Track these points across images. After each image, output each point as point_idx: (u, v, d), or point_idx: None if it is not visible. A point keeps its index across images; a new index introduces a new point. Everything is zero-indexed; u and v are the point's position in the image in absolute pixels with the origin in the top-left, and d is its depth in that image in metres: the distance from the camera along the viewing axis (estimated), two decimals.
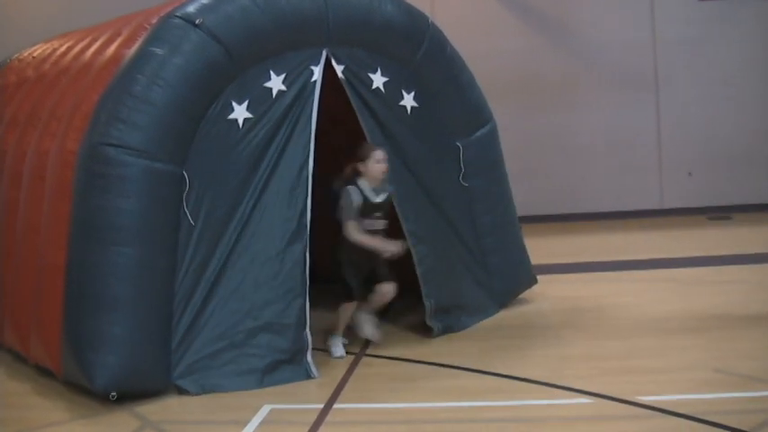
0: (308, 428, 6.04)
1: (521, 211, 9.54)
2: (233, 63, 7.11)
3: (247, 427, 6.13)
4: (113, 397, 6.57)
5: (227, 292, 7.01)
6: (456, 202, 8.51)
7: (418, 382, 7.00)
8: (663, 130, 15.47)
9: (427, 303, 8.03)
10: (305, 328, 7.16)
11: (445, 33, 8.60)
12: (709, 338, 7.66)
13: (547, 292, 9.55)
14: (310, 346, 7.20)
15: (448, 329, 8.19)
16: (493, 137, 8.92)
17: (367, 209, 7.64)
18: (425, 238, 8.08)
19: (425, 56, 8.23)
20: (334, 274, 7.70)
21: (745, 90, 15.24)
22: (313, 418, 6.22)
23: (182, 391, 6.84)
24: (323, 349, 7.77)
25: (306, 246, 7.22)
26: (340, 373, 7.25)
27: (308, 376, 7.12)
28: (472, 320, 8.47)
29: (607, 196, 15.55)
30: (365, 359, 7.67)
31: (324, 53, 7.58)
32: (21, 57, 10.00)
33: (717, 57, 15.27)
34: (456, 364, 7.29)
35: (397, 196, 7.86)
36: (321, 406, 6.46)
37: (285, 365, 7.09)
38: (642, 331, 8.04)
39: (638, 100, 15.48)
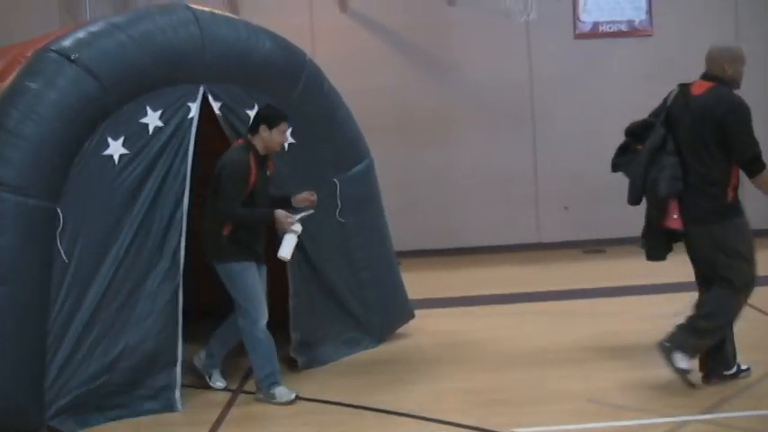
0: None
1: (400, 246, 9.62)
2: (108, 98, 7.05)
3: None
4: None
5: (101, 330, 6.91)
6: (332, 237, 8.53)
7: (298, 417, 7.00)
8: (539, 166, 15.72)
9: (294, 336, 8.12)
10: (176, 365, 7.17)
11: (325, 70, 8.66)
12: (583, 369, 7.84)
13: (425, 327, 9.61)
14: (179, 383, 7.20)
15: (313, 363, 8.28)
16: (369, 173, 8.98)
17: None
18: (299, 273, 8.15)
19: (303, 92, 8.27)
20: None
21: (620, 126, 15.44)
22: None
23: None
24: (195, 386, 7.77)
25: (179, 284, 7.20)
26: (215, 413, 7.18)
27: (174, 409, 7.17)
28: (339, 354, 8.54)
29: (486, 231, 15.68)
30: (242, 396, 7.63)
31: (201, 90, 7.57)
32: None
33: (592, 93, 15.57)
34: (333, 399, 7.30)
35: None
36: None
37: (154, 401, 7.14)
38: (517, 364, 8.17)
39: (516, 136, 15.68)
